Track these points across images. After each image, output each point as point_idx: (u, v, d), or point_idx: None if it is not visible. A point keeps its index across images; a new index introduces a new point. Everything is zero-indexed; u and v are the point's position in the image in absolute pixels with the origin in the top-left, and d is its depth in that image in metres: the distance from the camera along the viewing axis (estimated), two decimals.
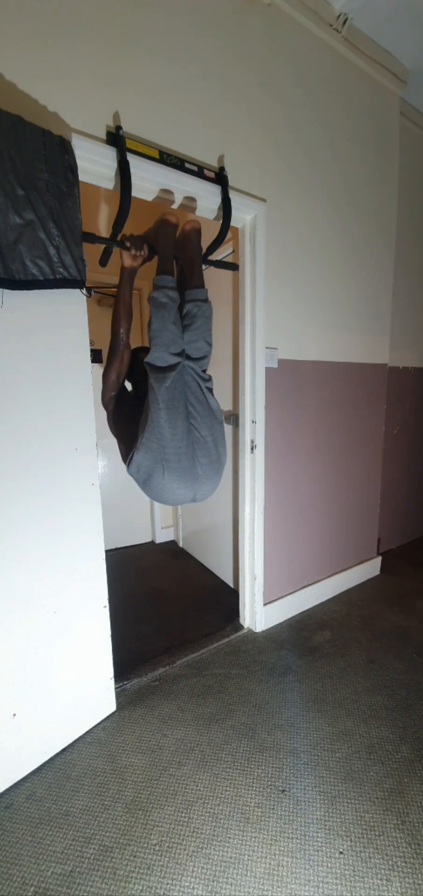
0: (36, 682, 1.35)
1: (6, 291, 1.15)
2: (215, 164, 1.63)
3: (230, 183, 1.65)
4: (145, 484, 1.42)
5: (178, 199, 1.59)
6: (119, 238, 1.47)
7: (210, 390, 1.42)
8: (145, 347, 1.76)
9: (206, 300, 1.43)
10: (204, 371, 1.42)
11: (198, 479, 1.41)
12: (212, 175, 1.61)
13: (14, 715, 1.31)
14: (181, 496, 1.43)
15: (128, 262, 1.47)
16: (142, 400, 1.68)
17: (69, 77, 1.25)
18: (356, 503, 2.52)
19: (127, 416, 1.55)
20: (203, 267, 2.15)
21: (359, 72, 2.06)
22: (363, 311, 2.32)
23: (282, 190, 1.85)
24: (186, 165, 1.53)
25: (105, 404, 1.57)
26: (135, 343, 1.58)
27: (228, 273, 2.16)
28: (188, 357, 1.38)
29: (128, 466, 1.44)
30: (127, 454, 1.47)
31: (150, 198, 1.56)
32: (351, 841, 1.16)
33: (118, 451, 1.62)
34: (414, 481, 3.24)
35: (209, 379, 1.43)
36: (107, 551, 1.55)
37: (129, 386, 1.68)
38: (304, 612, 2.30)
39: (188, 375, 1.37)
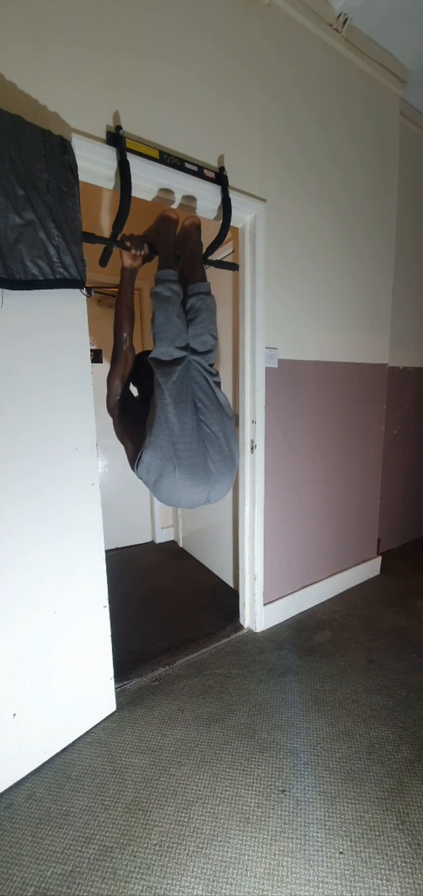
0: (36, 682, 1.35)
1: (6, 291, 1.15)
2: (215, 164, 1.63)
3: (230, 183, 1.65)
4: (156, 485, 1.35)
5: (178, 199, 1.59)
6: (119, 238, 1.47)
7: (218, 385, 1.38)
8: (150, 352, 1.75)
9: (209, 293, 1.41)
10: (211, 365, 1.38)
11: (211, 476, 1.35)
12: (212, 175, 1.61)
13: (14, 715, 1.31)
14: (195, 496, 1.36)
15: (128, 262, 1.47)
16: (147, 403, 1.66)
17: (69, 77, 1.25)
18: (356, 503, 2.52)
19: (133, 419, 1.52)
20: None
21: (359, 72, 2.06)
22: (363, 310, 2.32)
23: (282, 190, 1.85)
24: (186, 165, 1.53)
25: (111, 410, 1.54)
26: (135, 344, 1.58)
27: (228, 273, 2.16)
28: (194, 351, 1.35)
29: (137, 468, 1.37)
30: (135, 456, 1.40)
31: (150, 198, 1.56)
32: (351, 841, 1.16)
33: (117, 450, 1.61)
34: (414, 481, 3.24)
35: (217, 374, 1.39)
36: (107, 551, 1.55)
37: (134, 391, 1.66)
38: (304, 612, 2.30)
39: (195, 370, 1.34)
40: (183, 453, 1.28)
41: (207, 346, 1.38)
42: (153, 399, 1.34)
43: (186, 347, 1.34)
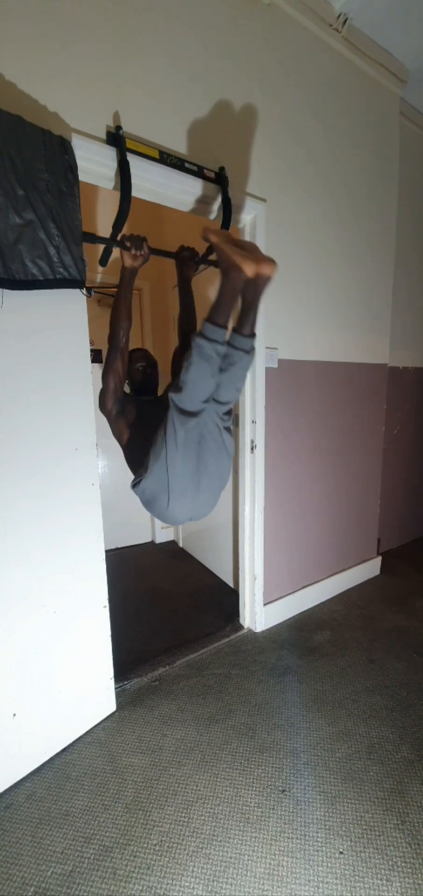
0: (36, 682, 1.35)
1: (6, 291, 1.15)
2: (215, 164, 1.63)
3: (230, 183, 1.65)
4: (148, 504, 1.43)
5: (190, 203, 1.61)
6: (119, 238, 1.47)
7: (228, 429, 1.37)
8: (140, 349, 1.75)
9: (250, 351, 1.30)
10: (226, 413, 1.35)
11: (198, 503, 1.43)
12: (212, 175, 1.61)
13: (14, 715, 1.31)
14: (182, 517, 1.46)
15: (128, 262, 1.47)
16: (141, 397, 1.67)
17: (69, 77, 1.25)
18: (356, 503, 2.52)
19: (132, 420, 1.54)
20: (203, 267, 2.14)
21: (359, 72, 2.06)
22: (363, 310, 2.32)
23: (282, 190, 1.85)
24: (186, 165, 1.53)
25: (108, 410, 1.53)
26: (134, 343, 1.58)
27: None
28: (214, 400, 1.31)
29: (133, 487, 1.44)
30: (131, 458, 1.47)
31: (150, 198, 1.56)
32: (351, 841, 1.16)
33: (117, 450, 1.62)
34: (414, 481, 3.24)
35: (229, 418, 1.37)
36: (107, 551, 1.55)
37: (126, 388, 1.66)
38: (304, 612, 2.30)
39: (209, 416, 1.31)
40: (178, 489, 1.34)
41: (229, 398, 1.34)
42: (164, 433, 1.29)
43: (209, 399, 1.29)
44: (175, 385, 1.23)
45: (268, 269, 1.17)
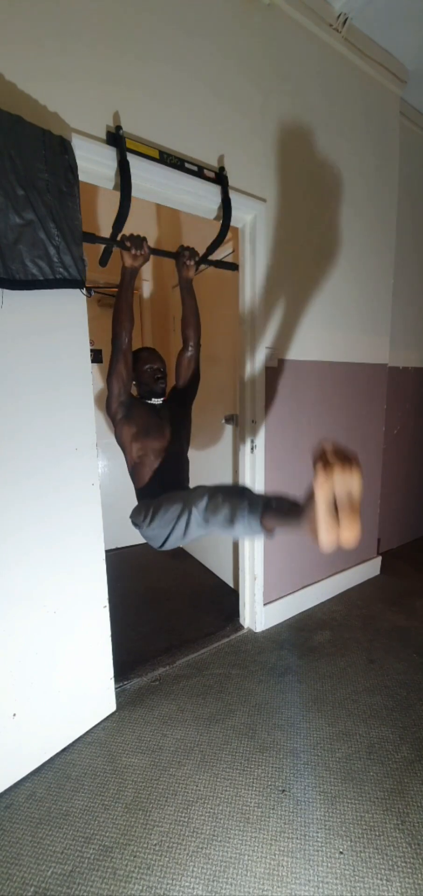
0: (36, 682, 1.35)
1: (6, 291, 1.15)
2: (214, 164, 1.63)
3: (230, 183, 1.65)
4: (144, 536, 1.54)
5: (191, 203, 1.63)
6: (119, 238, 1.47)
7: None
8: (147, 348, 1.76)
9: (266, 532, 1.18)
10: None
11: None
12: (212, 175, 1.61)
13: (14, 715, 1.31)
14: (175, 545, 1.52)
15: (129, 262, 1.47)
16: (148, 399, 1.67)
17: (69, 77, 1.25)
18: None
19: (138, 426, 1.55)
20: (203, 267, 2.15)
21: (359, 72, 2.06)
22: (363, 310, 2.32)
23: (282, 190, 1.85)
24: (186, 165, 1.53)
25: (113, 413, 1.54)
26: (134, 344, 1.58)
27: (228, 273, 2.15)
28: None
29: (134, 524, 1.55)
30: (133, 469, 1.59)
31: (150, 198, 1.56)
32: (351, 841, 1.16)
33: (118, 450, 1.63)
34: (414, 481, 3.24)
35: None
36: (107, 551, 1.55)
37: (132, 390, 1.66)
38: (304, 612, 2.30)
39: None
40: (173, 543, 1.44)
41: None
42: (178, 509, 1.33)
43: None
44: (204, 513, 1.22)
45: (345, 544, 0.77)
